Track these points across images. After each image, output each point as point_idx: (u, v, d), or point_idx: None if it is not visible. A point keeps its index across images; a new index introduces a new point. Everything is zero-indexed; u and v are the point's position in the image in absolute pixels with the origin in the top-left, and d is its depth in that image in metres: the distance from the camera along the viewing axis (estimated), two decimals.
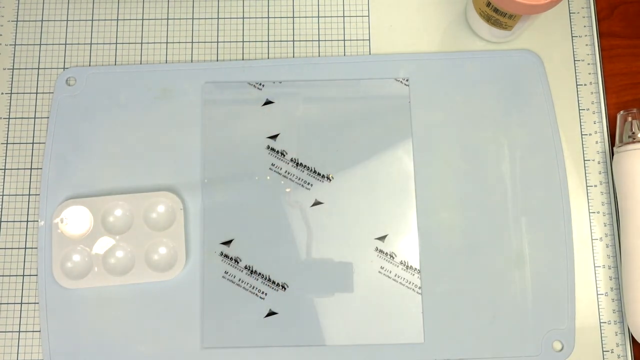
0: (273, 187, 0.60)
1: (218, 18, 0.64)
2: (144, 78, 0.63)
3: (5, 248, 0.60)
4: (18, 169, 0.62)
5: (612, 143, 0.62)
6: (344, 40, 0.64)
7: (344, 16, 0.64)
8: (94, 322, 0.58)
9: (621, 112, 0.60)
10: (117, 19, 0.64)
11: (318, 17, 0.64)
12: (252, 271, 0.59)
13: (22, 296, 0.60)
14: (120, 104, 0.62)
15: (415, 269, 0.59)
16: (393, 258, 0.59)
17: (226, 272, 0.59)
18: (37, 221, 0.61)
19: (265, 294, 0.59)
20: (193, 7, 0.65)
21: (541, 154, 0.61)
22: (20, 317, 0.59)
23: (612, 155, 0.61)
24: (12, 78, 0.63)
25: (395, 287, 0.59)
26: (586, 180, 0.61)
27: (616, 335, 0.59)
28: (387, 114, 0.62)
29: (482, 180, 0.61)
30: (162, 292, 0.59)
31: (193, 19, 0.64)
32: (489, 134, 0.61)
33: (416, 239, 0.60)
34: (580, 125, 0.62)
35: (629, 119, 0.59)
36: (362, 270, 0.59)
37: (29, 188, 0.61)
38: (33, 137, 0.62)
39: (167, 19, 0.64)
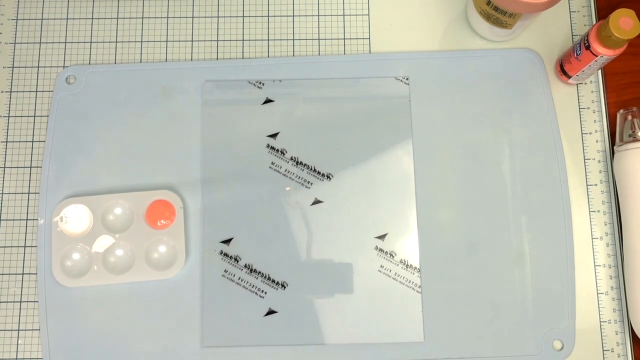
0: (273, 186, 0.60)
1: (218, 17, 0.64)
2: (143, 77, 0.63)
3: (4, 246, 0.60)
4: (18, 167, 0.62)
5: (612, 142, 0.62)
6: (344, 39, 0.64)
7: (344, 15, 0.64)
8: (94, 320, 0.58)
9: (621, 110, 0.60)
10: (117, 18, 0.64)
11: (318, 15, 0.64)
12: (251, 270, 0.59)
13: (21, 294, 0.60)
14: (120, 102, 0.62)
15: (415, 267, 0.59)
16: (393, 257, 0.59)
17: (226, 271, 0.59)
18: (37, 219, 0.61)
19: (265, 293, 0.59)
20: (193, 5, 0.65)
21: (541, 153, 0.61)
22: (20, 316, 0.59)
23: (613, 154, 0.61)
24: (12, 76, 0.63)
25: (395, 286, 0.59)
26: (586, 179, 0.61)
27: (616, 334, 0.59)
28: (387, 113, 0.62)
29: (482, 179, 0.61)
30: (162, 291, 0.59)
31: (193, 17, 0.64)
32: (489, 134, 0.61)
33: (416, 237, 0.60)
34: (581, 124, 0.62)
35: (629, 117, 0.59)
36: (362, 269, 0.59)
37: (29, 186, 0.61)
38: (33, 135, 0.62)
39: (167, 17, 0.64)
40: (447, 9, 0.64)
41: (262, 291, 0.59)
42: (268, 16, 0.64)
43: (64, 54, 0.64)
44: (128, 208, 0.59)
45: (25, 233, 0.60)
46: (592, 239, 0.60)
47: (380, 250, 0.59)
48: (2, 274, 0.60)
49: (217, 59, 0.64)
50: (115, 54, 0.64)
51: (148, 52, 0.64)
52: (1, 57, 0.64)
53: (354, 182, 0.60)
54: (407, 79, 0.62)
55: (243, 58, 0.63)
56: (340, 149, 0.61)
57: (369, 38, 0.64)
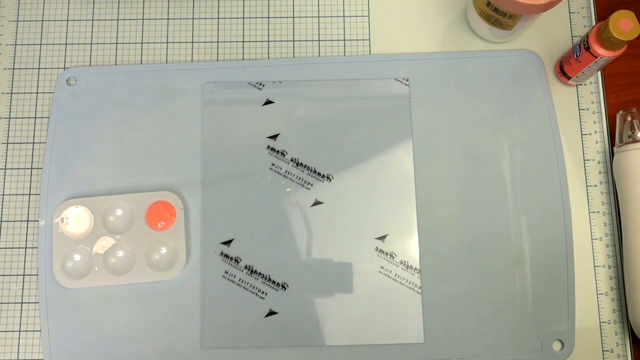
0: (273, 187, 0.60)
1: (218, 18, 0.64)
2: (144, 78, 0.63)
3: (5, 248, 0.60)
4: (18, 168, 0.62)
5: (612, 143, 0.62)
6: (344, 40, 0.64)
7: (344, 16, 0.64)
8: (94, 321, 0.58)
9: (620, 111, 0.60)
10: (118, 19, 0.64)
11: (318, 17, 0.64)
12: (252, 271, 0.59)
13: (22, 296, 0.60)
14: (121, 103, 0.62)
15: (415, 268, 0.59)
16: (393, 258, 0.59)
17: (226, 272, 0.59)
18: (38, 221, 0.61)
19: (265, 294, 0.59)
20: (193, 7, 0.65)
21: (541, 154, 0.61)
22: (21, 317, 0.59)
23: (612, 155, 0.61)
24: (13, 78, 0.63)
25: (395, 286, 0.59)
26: (586, 180, 0.61)
27: (616, 334, 0.59)
28: (387, 114, 0.62)
29: (482, 180, 0.61)
30: (163, 292, 0.59)
31: (193, 18, 0.64)
32: (489, 134, 0.61)
33: (416, 238, 0.60)
34: (580, 125, 0.62)
35: (629, 118, 0.59)
36: (362, 270, 0.59)
37: (30, 188, 0.61)
38: (33, 137, 0.62)
39: (168, 19, 0.64)
40: (447, 10, 0.64)
41: (263, 292, 0.59)
42: (268, 17, 0.64)
43: (65, 56, 0.64)
44: (128, 209, 0.59)
45: (26, 234, 0.61)
46: (592, 239, 0.60)
47: (381, 251, 0.59)
48: (3, 275, 0.60)
49: (217, 60, 0.64)
50: (116, 55, 0.64)
51: (148, 53, 0.64)
52: (2, 58, 0.64)
53: (354, 183, 0.61)
54: (407, 80, 0.62)
55: (243, 59, 0.64)
56: (340, 150, 0.61)
57: (369, 39, 0.64)
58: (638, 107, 0.60)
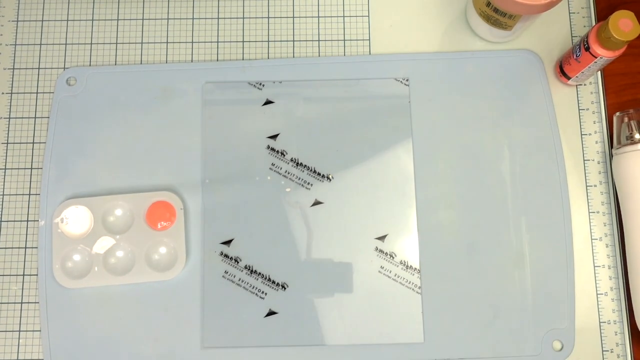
0: (273, 187, 0.60)
1: (218, 18, 0.64)
2: (144, 78, 0.63)
3: (5, 248, 0.60)
4: (18, 168, 0.62)
5: (611, 143, 0.62)
6: (344, 40, 0.64)
7: (344, 16, 0.64)
8: (94, 321, 0.58)
9: (617, 113, 0.60)
10: (118, 19, 0.64)
11: (318, 17, 0.64)
12: (252, 271, 0.59)
13: (22, 296, 0.60)
14: (120, 104, 0.62)
15: (415, 268, 0.59)
16: (393, 258, 0.59)
17: (226, 272, 0.59)
18: (38, 221, 0.61)
19: (265, 294, 0.59)
20: (193, 7, 0.65)
21: (541, 154, 0.61)
22: (21, 317, 0.59)
23: (612, 155, 0.61)
24: (13, 78, 0.63)
25: (395, 286, 0.59)
26: (586, 180, 0.61)
27: (616, 335, 0.59)
28: (387, 113, 0.62)
29: (482, 180, 0.61)
30: (163, 292, 0.59)
31: (193, 19, 0.64)
32: (489, 134, 0.62)
33: (416, 238, 0.60)
34: (580, 125, 0.62)
35: (626, 119, 0.59)
36: (361, 270, 0.59)
37: (29, 188, 0.61)
38: (33, 137, 0.62)
39: (168, 19, 0.65)
40: (447, 10, 0.64)
41: (263, 292, 0.59)
42: (268, 17, 0.64)
43: (65, 56, 0.64)
44: (128, 209, 0.59)
45: (26, 234, 0.61)
46: (592, 239, 0.60)
47: (380, 251, 0.59)
48: (3, 275, 0.60)
49: (217, 60, 0.64)
50: (116, 55, 0.64)
51: (148, 53, 0.64)
52: (2, 58, 0.64)
53: (354, 183, 0.61)
54: (407, 80, 0.62)
55: (243, 59, 0.64)
56: (340, 150, 0.61)
57: (369, 39, 0.64)
58: (635, 108, 0.60)
